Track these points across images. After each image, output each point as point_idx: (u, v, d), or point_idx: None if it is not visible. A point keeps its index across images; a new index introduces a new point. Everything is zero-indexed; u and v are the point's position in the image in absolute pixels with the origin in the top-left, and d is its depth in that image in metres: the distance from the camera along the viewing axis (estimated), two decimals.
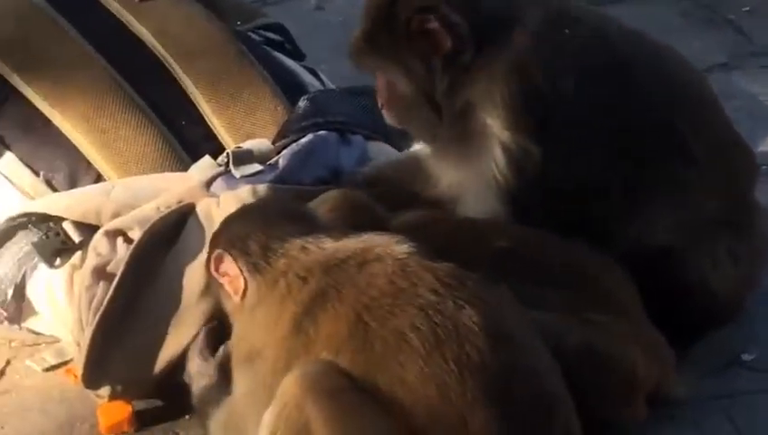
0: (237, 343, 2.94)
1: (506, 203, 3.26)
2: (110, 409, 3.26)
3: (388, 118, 3.35)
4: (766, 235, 3.46)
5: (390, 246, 2.83)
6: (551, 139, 3.21)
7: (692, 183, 3.30)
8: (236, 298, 2.91)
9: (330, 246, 2.87)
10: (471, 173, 3.30)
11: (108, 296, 3.22)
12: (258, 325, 2.87)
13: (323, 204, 3.11)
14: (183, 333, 3.21)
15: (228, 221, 3.01)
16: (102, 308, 3.21)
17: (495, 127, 3.22)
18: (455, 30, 3.19)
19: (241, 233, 2.92)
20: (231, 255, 2.90)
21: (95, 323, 3.21)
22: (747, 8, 5.30)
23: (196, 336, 3.20)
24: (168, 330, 3.21)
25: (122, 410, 3.25)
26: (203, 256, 3.18)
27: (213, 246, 2.97)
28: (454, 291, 2.73)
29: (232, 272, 2.90)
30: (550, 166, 3.22)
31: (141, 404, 3.29)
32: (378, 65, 3.30)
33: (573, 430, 2.76)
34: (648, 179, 3.28)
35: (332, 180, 3.41)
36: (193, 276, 3.21)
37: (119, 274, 3.23)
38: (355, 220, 3.03)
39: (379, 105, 3.35)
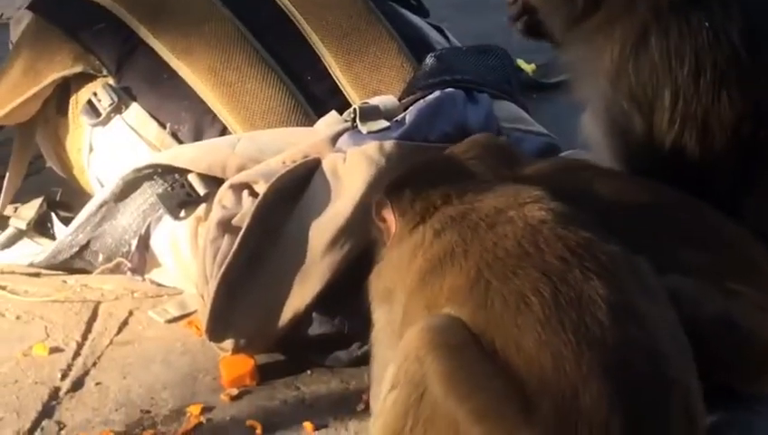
0: (374, 281, 2.95)
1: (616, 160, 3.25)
2: (232, 362, 3.28)
3: (521, 23, 3.38)
4: None
5: (526, 209, 2.81)
6: (658, 114, 3.21)
7: None
8: (387, 241, 2.96)
9: (469, 200, 2.87)
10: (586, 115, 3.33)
11: (233, 249, 3.23)
12: (392, 266, 2.89)
13: (467, 148, 3.10)
14: (308, 288, 3.21)
15: (409, 168, 3.05)
16: (227, 261, 3.22)
17: (601, 86, 3.23)
18: None
19: (400, 182, 2.97)
20: (390, 201, 2.94)
21: (219, 275, 3.22)
22: None
23: (321, 292, 3.22)
24: (292, 285, 3.22)
25: (245, 363, 3.27)
26: (329, 211, 3.23)
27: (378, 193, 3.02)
28: (583, 261, 2.69)
29: (389, 218, 2.93)
30: (656, 138, 3.22)
31: (263, 358, 3.30)
32: None
33: (694, 416, 2.69)
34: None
35: (459, 137, 3.36)
36: (319, 232, 3.22)
37: (244, 227, 3.24)
38: (495, 163, 3.03)
39: (510, 13, 3.34)
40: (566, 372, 2.58)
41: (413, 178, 2.97)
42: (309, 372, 3.29)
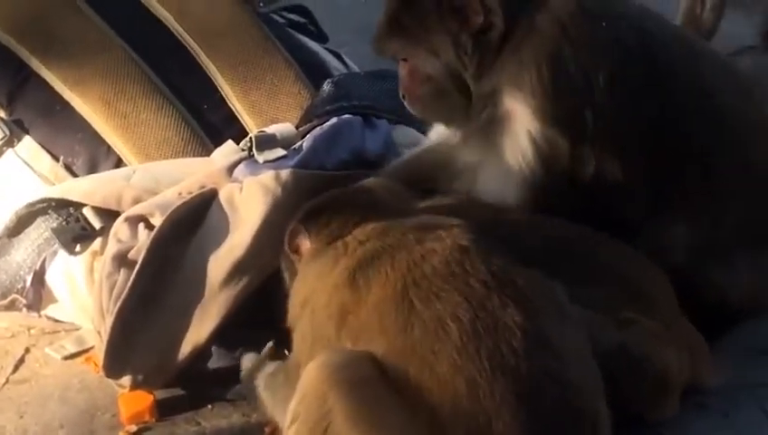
0: (291, 301, 2.94)
1: (530, 195, 3.22)
2: (131, 398, 3.26)
3: (412, 107, 3.31)
4: None
5: (454, 230, 2.81)
6: (581, 133, 3.17)
7: (714, 195, 3.28)
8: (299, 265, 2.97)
9: (392, 219, 2.89)
10: (496, 162, 3.25)
11: (129, 284, 3.22)
12: (310, 276, 2.89)
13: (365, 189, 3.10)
14: (207, 321, 3.21)
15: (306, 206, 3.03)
16: (123, 296, 3.21)
17: (524, 116, 3.17)
18: (485, 3, 3.13)
19: (315, 209, 2.96)
20: (305, 227, 2.93)
21: (116, 311, 3.21)
22: None
23: (219, 325, 3.20)
24: (191, 319, 3.21)
25: (144, 399, 3.25)
26: (227, 243, 3.21)
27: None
28: (504, 287, 2.71)
29: (303, 245, 2.93)
30: (578, 162, 3.19)
31: (163, 393, 3.28)
32: (403, 49, 3.25)
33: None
34: (671, 188, 3.26)
35: (356, 164, 3.39)
36: (217, 265, 3.21)
37: (140, 261, 3.23)
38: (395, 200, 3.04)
39: (401, 96, 3.29)
40: (479, 400, 2.62)
41: (327, 205, 2.96)
42: (210, 406, 3.27)
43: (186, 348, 3.23)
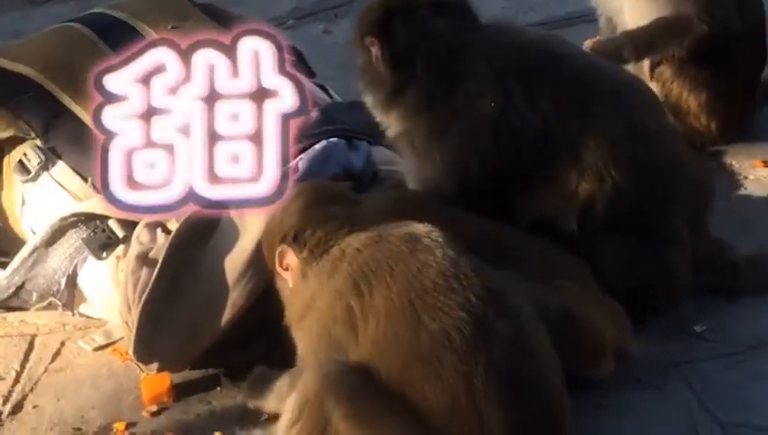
0: (290, 307, 2.90)
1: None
2: (151, 382, 3.23)
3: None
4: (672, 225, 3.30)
5: (438, 238, 2.78)
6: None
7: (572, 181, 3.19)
8: (292, 284, 2.91)
9: (376, 229, 2.83)
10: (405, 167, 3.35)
11: (152, 279, 3.18)
12: (310, 280, 2.83)
13: (299, 196, 3.02)
14: (222, 316, 3.16)
15: (283, 217, 2.95)
16: (148, 290, 3.18)
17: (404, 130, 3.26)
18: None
19: (294, 227, 2.88)
20: (292, 249, 2.87)
21: (141, 304, 3.19)
22: None
23: (232, 318, 3.16)
24: (208, 312, 3.17)
25: (163, 383, 3.22)
26: (237, 246, 3.17)
27: (272, 241, 2.93)
28: (496, 299, 2.71)
29: (293, 262, 2.87)
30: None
31: (179, 377, 3.26)
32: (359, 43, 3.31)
33: (564, 423, 2.76)
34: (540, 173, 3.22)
35: (345, 177, 3.35)
36: (229, 265, 3.17)
37: (160, 259, 3.19)
38: (333, 204, 2.96)
39: None
40: (475, 400, 2.63)
41: (307, 221, 2.89)
42: (219, 388, 3.24)
43: (203, 340, 3.20)
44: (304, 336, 2.86)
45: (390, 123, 3.32)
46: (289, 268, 2.89)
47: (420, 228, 2.82)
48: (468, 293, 2.68)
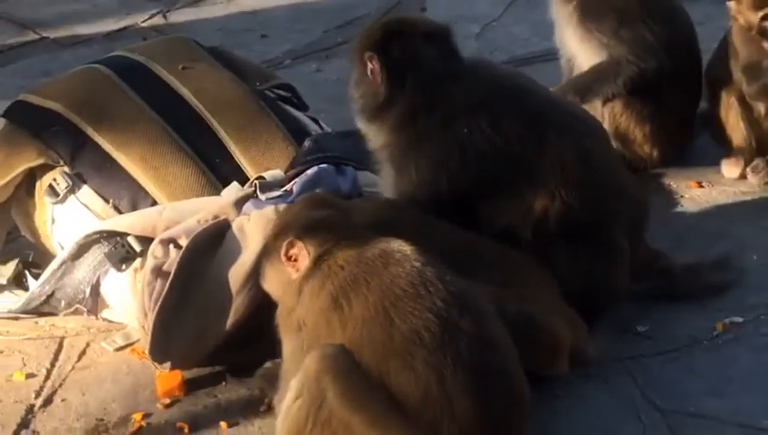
0: (287, 316, 2.90)
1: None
2: (165, 378, 3.27)
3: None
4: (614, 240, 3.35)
5: (407, 253, 2.83)
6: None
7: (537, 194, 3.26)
8: (296, 275, 2.89)
9: (360, 243, 2.86)
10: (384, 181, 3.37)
11: (165, 289, 3.22)
12: (303, 300, 2.85)
13: (301, 203, 3.07)
14: (226, 320, 3.20)
15: (291, 217, 2.97)
16: (161, 299, 3.22)
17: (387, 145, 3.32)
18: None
19: (307, 225, 2.90)
20: (302, 241, 2.87)
21: (156, 311, 3.21)
22: None
23: (236, 323, 3.19)
24: (214, 317, 3.20)
25: (175, 379, 3.26)
26: (240, 260, 3.21)
27: (282, 234, 2.92)
28: (459, 301, 2.75)
29: (301, 255, 2.87)
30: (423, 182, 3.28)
31: (189, 374, 3.30)
32: (358, 60, 3.34)
33: (525, 406, 2.80)
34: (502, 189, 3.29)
35: None
36: (233, 276, 3.21)
37: (172, 272, 3.24)
38: (325, 211, 2.99)
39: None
40: (445, 388, 2.67)
41: (313, 223, 2.91)
42: (224, 383, 3.29)
43: (211, 341, 3.24)
44: (294, 344, 2.86)
45: (373, 135, 3.33)
46: (294, 259, 2.87)
47: (392, 245, 2.83)
48: (434, 297, 2.72)
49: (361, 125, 3.38)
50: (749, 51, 3.99)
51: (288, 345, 2.91)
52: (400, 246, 2.84)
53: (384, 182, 3.38)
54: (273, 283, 2.98)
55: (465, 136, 3.23)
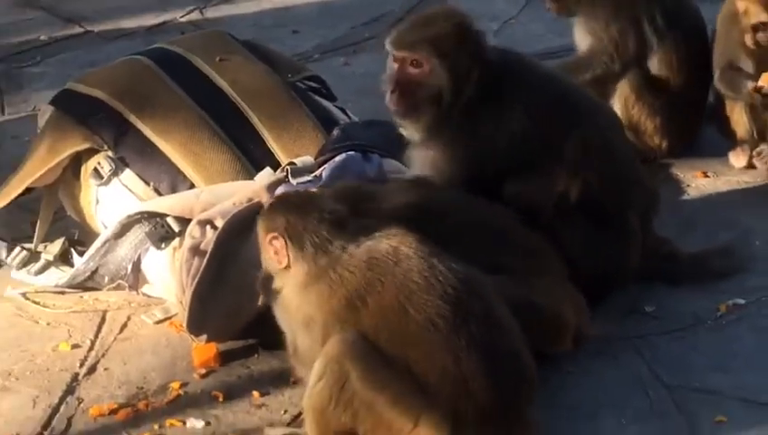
0: (295, 311, 2.90)
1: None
2: (201, 350, 3.30)
3: (397, 104, 3.27)
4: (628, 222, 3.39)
5: (414, 246, 2.84)
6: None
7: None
8: (279, 265, 2.89)
9: (365, 246, 2.84)
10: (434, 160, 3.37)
11: (202, 267, 3.25)
12: (311, 301, 2.86)
13: (332, 193, 3.08)
14: (258, 297, 3.18)
15: (282, 209, 2.91)
16: (199, 275, 3.24)
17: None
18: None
19: (297, 223, 2.87)
20: (285, 239, 2.86)
21: (193, 285, 3.24)
22: None
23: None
24: (247, 295, 3.20)
25: (210, 350, 3.30)
26: None
27: (270, 226, 2.88)
28: (467, 286, 2.79)
29: (281, 250, 2.88)
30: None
31: (224, 346, 3.33)
32: (428, 56, 3.25)
33: (533, 382, 2.84)
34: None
35: None
36: None
37: (209, 251, 3.26)
38: (356, 201, 3.03)
39: (391, 90, 3.27)
40: (460, 366, 2.71)
41: (305, 221, 2.86)
42: (256, 356, 3.32)
43: (244, 316, 3.25)
44: (308, 340, 2.85)
45: (416, 128, 3.31)
46: (277, 253, 2.84)
47: (398, 240, 2.82)
48: (445, 285, 2.75)
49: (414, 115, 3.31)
50: (726, 41, 3.98)
51: (303, 339, 2.90)
52: (406, 240, 2.85)
53: (417, 162, 3.35)
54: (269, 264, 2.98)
55: (504, 119, 3.26)
